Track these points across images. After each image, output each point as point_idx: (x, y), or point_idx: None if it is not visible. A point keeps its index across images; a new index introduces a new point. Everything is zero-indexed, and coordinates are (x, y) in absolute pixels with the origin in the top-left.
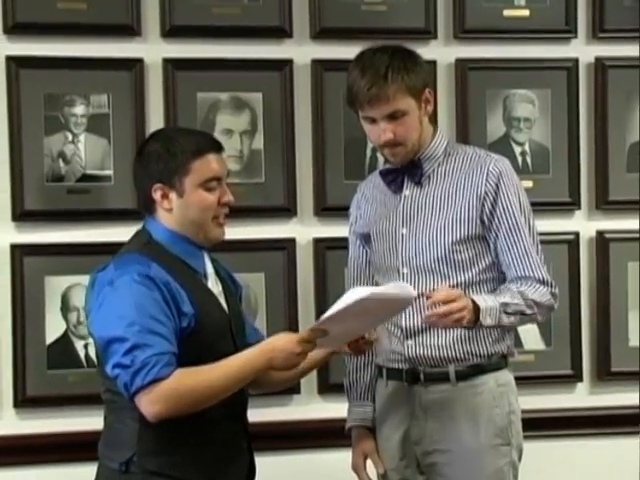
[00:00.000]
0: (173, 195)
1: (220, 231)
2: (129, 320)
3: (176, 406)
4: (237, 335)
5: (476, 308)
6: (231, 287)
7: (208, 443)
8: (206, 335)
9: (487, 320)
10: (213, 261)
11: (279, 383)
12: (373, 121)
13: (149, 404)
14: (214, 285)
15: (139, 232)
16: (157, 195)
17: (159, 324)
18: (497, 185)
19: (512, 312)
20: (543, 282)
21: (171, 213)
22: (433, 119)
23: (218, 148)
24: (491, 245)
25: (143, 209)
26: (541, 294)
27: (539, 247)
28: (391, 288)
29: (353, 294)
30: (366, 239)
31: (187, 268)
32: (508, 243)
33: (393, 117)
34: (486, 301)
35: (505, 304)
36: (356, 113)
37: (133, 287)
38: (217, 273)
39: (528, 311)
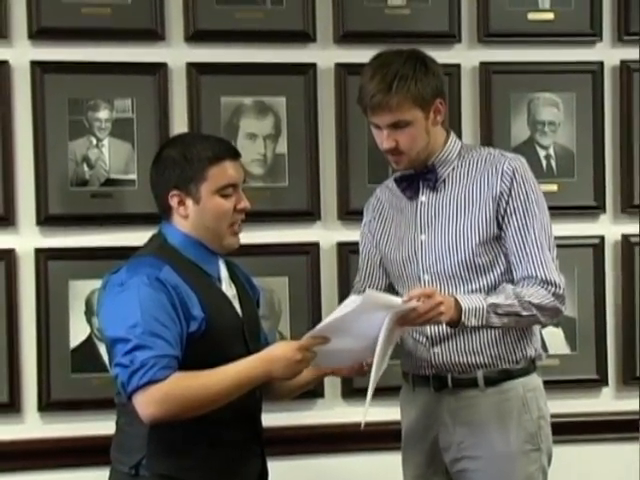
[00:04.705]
0: (189, 202)
1: (235, 240)
2: (133, 322)
3: (170, 409)
4: (251, 339)
5: (460, 307)
6: (249, 291)
7: (217, 446)
8: (217, 339)
9: (472, 320)
10: (231, 265)
11: (282, 394)
12: (378, 127)
13: (144, 406)
14: (228, 289)
15: (154, 236)
16: (174, 202)
17: (162, 327)
18: (511, 184)
19: (504, 313)
20: (546, 282)
21: (187, 219)
22: (446, 123)
23: (234, 154)
24: (506, 245)
25: (159, 214)
26: (540, 296)
27: (551, 246)
28: (390, 297)
29: (353, 301)
30: (377, 244)
31: (200, 272)
32: (515, 243)
33: (397, 126)
34: (472, 301)
35: (495, 305)
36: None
37: (141, 289)
38: (233, 277)
39: (524, 313)
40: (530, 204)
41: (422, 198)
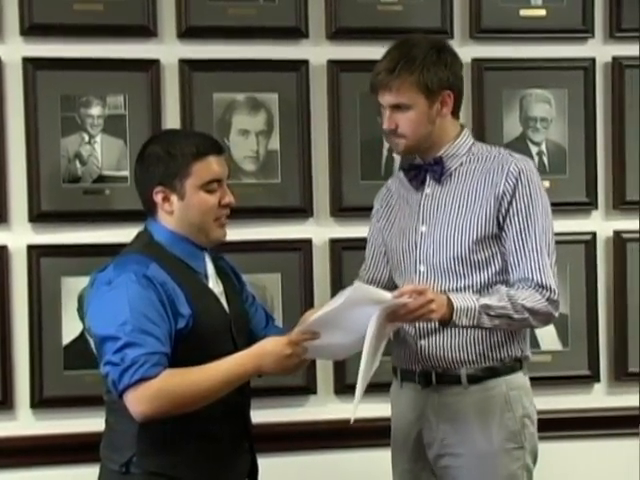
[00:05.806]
0: (174, 198)
1: (222, 232)
2: (122, 319)
3: (161, 406)
4: (238, 336)
5: (452, 306)
6: (236, 284)
7: (207, 443)
8: (204, 336)
9: (463, 320)
10: (217, 258)
11: None
12: (383, 106)
13: (135, 403)
14: (215, 285)
15: (141, 233)
16: (158, 198)
17: (152, 324)
18: (515, 185)
19: (496, 315)
20: (542, 286)
21: (172, 215)
22: (460, 117)
23: (219, 150)
24: (506, 245)
25: (145, 211)
26: (534, 300)
27: (550, 250)
28: (380, 292)
29: (342, 294)
30: (384, 233)
31: (187, 268)
32: (514, 245)
33: (398, 108)
34: (464, 300)
35: (487, 306)
36: None
37: (129, 287)
38: (220, 273)
39: (516, 315)
40: (533, 207)
41: (427, 190)
